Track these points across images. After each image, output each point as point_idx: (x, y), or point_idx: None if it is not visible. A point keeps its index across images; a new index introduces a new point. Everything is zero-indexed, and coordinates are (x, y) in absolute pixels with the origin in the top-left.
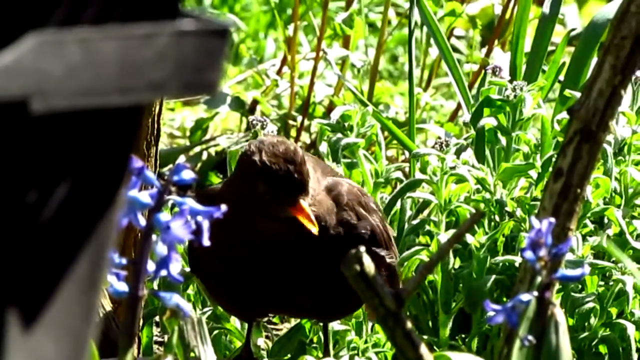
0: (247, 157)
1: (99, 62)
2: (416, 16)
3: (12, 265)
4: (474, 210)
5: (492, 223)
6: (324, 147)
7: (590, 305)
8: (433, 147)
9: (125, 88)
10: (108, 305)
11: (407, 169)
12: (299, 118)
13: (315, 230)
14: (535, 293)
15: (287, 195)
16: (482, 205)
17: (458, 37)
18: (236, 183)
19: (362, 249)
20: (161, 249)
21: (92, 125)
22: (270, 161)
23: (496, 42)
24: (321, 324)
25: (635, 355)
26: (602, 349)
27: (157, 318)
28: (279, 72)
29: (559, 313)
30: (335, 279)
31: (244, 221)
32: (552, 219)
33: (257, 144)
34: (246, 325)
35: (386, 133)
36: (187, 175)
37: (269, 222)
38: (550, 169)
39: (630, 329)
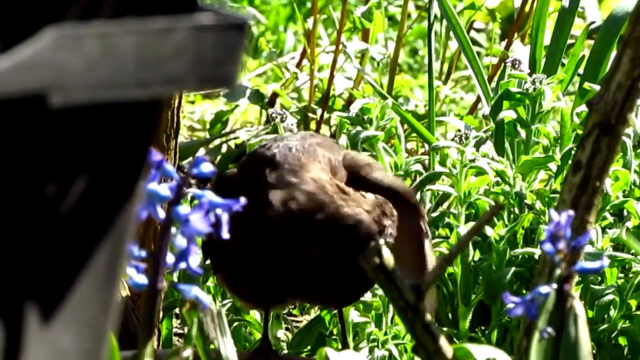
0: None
1: (117, 56)
2: (436, 9)
3: (31, 259)
4: (493, 203)
5: (512, 215)
6: (343, 140)
7: (610, 297)
8: (453, 139)
9: (143, 82)
10: (126, 291)
11: (426, 162)
12: (319, 111)
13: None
14: (555, 285)
15: None
16: (501, 198)
17: (477, 30)
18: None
19: (382, 241)
20: (180, 241)
21: (111, 119)
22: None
23: (516, 35)
24: (337, 316)
25: None
26: (622, 340)
27: (176, 310)
28: (298, 65)
29: (578, 305)
30: (345, 264)
31: (256, 206)
32: (571, 212)
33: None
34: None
35: (406, 126)
36: (207, 168)
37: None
38: (570, 161)
39: None
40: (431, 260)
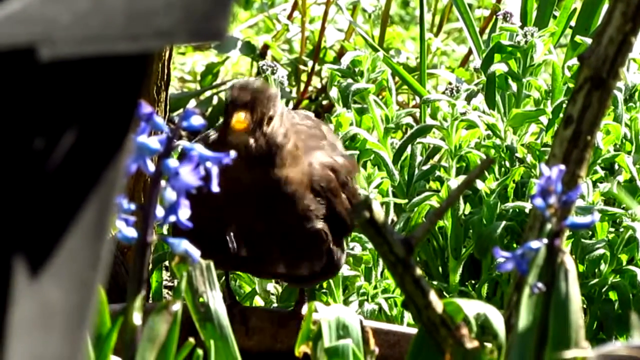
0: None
1: (106, 10)
2: None
3: (19, 213)
4: (484, 156)
5: (503, 169)
6: (334, 93)
7: (601, 251)
8: (444, 92)
9: (133, 35)
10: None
11: (417, 115)
12: (310, 63)
13: (247, 135)
14: (545, 240)
15: (229, 114)
16: (492, 151)
17: None
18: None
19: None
20: (170, 194)
21: (100, 73)
22: (232, 92)
23: None
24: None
25: None
26: (612, 295)
27: (166, 263)
28: (289, 17)
29: (568, 261)
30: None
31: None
32: (562, 167)
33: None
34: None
35: (397, 78)
36: (196, 121)
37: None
38: (561, 115)
39: None
40: None
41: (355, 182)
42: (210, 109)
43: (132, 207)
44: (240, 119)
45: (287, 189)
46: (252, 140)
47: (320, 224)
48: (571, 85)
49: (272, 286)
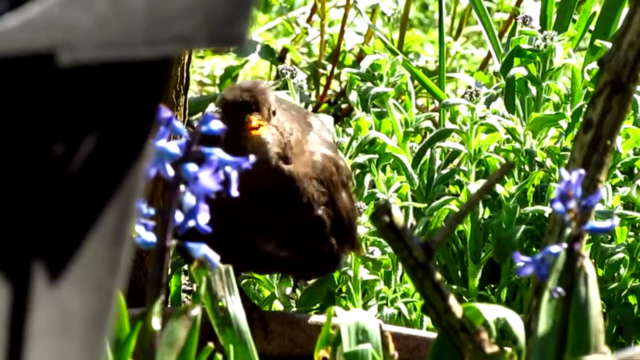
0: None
1: (127, 15)
2: None
3: (39, 218)
4: (503, 160)
5: (522, 173)
6: (353, 96)
7: (620, 255)
8: (463, 96)
9: (153, 40)
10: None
11: (436, 118)
12: (329, 66)
13: (264, 133)
14: (565, 245)
15: (238, 118)
16: (511, 155)
17: None
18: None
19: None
20: (189, 199)
21: (119, 77)
22: (227, 94)
23: None
24: (346, 274)
25: None
26: (632, 299)
27: (185, 267)
28: (309, 20)
29: (588, 265)
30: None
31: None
32: (582, 171)
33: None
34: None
35: (416, 82)
36: (216, 125)
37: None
38: (581, 119)
39: None
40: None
41: (353, 187)
42: None
43: (152, 211)
44: (254, 123)
45: (295, 178)
46: (269, 138)
47: (320, 211)
48: (591, 89)
49: (290, 290)
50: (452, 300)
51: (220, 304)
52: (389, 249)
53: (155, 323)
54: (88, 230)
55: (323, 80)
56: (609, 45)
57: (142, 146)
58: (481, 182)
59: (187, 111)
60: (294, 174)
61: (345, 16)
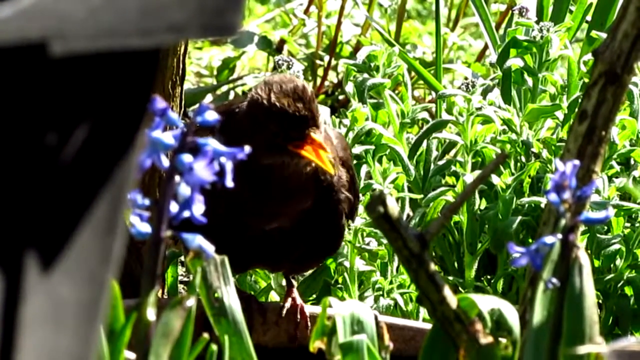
0: (255, 98)
1: (119, 4)
2: None
3: (31, 208)
4: (499, 151)
5: (518, 164)
6: (350, 87)
7: (616, 247)
8: (459, 87)
9: (146, 30)
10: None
11: (433, 110)
12: (326, 58)
13: (331, 169)
14: (560, 236)
15: (297, 132)
16: (508, 146)
17: None
18: (245, 123)
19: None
20: (184, 190)
21: (112, 68)
22: (279, 100)
23: None
24: (342, 265)
25: None
26: (628, 290)
27: (182, 258)
28: (306, 11)
29: (583, 256)
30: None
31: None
32: (577, 162)
33: (265, 84)
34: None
35: (413, 73)
36: (211, 116)
37: (279, 158)
38: (577, 110)
39: None
40: None
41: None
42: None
43: (147, 202)
44: (323, 149)
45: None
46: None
47: (343, 196)
48: (587, 80)
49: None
50: (447, 291)
51: (215, 294)
52: (385, 240)
53: (150, 314)
54: (80, 220)
55: (320, 72)
56: (605, 36)
57: (135, 136)
58: (477, 173)
59: (183, 102)
60: (334, 186)
61: (342, 7)
